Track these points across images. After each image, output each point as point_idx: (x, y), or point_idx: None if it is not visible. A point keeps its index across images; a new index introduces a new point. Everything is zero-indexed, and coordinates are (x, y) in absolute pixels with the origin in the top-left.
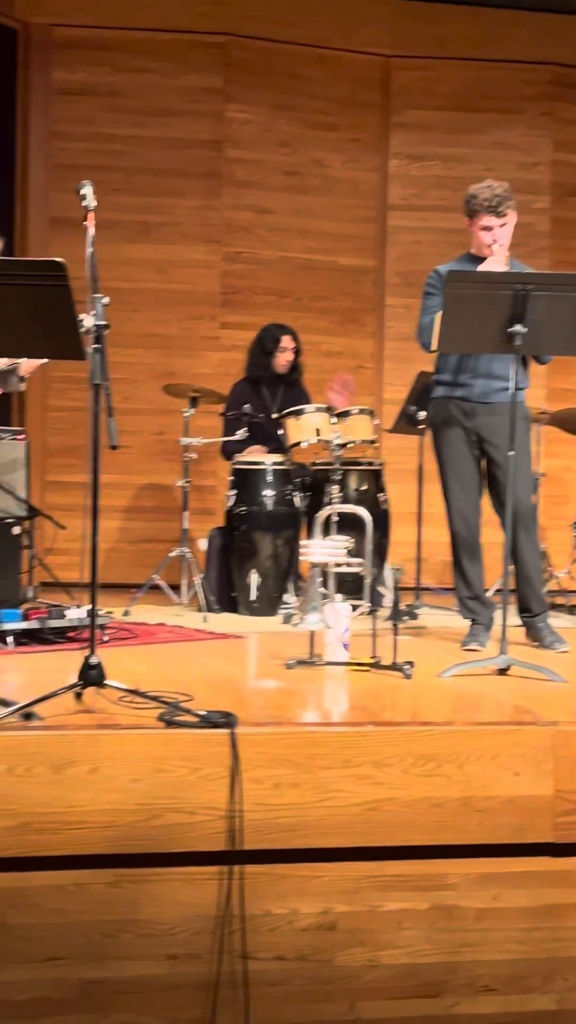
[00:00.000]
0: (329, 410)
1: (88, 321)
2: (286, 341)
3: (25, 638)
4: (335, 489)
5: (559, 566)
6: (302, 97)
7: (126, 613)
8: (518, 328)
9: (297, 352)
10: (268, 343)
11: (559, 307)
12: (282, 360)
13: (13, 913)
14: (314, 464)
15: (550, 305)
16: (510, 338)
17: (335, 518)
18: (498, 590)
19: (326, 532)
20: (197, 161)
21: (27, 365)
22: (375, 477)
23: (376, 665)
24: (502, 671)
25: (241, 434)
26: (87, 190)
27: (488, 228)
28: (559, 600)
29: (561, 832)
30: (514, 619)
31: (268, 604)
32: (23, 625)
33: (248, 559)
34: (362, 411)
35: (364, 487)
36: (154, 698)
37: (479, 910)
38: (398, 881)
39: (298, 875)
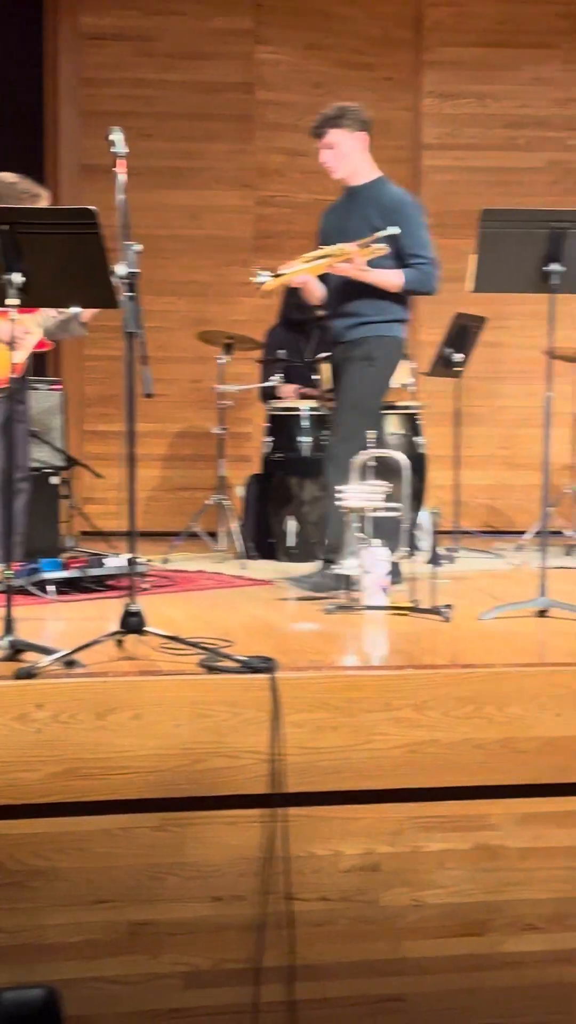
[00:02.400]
0: None
1: (120, 269)
2: None
3: (66, 587)
4: (371, 433)
5: None
6: (333, 36)
7: (165, 561)
8: (555, 267)
9: None
10: None
11: None
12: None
13: (61, 857)
14: None
15: None
16: (546, 277)
17: (372, 463)
18: (536, 532)
19: (363, 477)
20: (228, 104)
21: (88, 311)
22: (412, 421)
23: (415, 609)
24: (542, 613)
25: (277, 380)
26: (117, 136)
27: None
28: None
29: None
30: (555, 561)
31: (306, 550)
32: (63, 574)
33: (285, 505)
34: None
35: (401, 431)
36: (194, 644)
37: (522, 850)
38: (440, 822)
39: (340, 817)
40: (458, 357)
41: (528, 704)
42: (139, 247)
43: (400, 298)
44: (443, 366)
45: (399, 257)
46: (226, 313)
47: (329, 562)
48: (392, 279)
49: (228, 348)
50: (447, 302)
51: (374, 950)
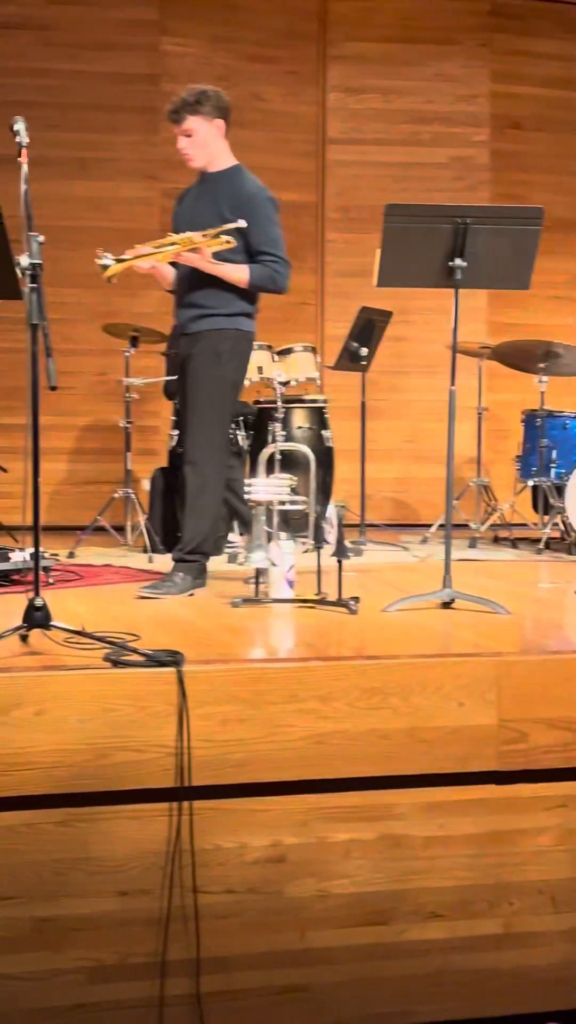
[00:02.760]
0: (271, 348)
1: (23, 260)
2: None
3: None
4: (278, 427)
5: (502, 500)
6: (239, 29)
7: (71, 555)
8: (459, 262)
9: None
10: None
11: (499, 241)
12: None
13: None
14: (257, 402)
15: (490, 239)
16: (450, 272)
17: (278, 456)
18: (441, 525)
19: (270, 470)
20: (133, 96)
21: None
22: (318, 414)
23: (322, 601)
24: (446, 604)
25: None
26: (20, 126)
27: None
28: (502, 533)
29: (505, 760)
30: (459, 553)
31: (213, 544)
32: None
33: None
34: (304, 348)
35: (307, 425)
36: (100, 639)
37: (426, 838)
38: (346, 812)
39: (247, 809)
40: (364, 351)
41: (432, 695)
42: (42, 238)
43: (247, 292)
44: (349, 360)
45: (249, 252)
46: (132, 305)
47: (183, 562)
48: (238, 274)
49: (134, 341)
50: (353, 296)
51: (279, 941)
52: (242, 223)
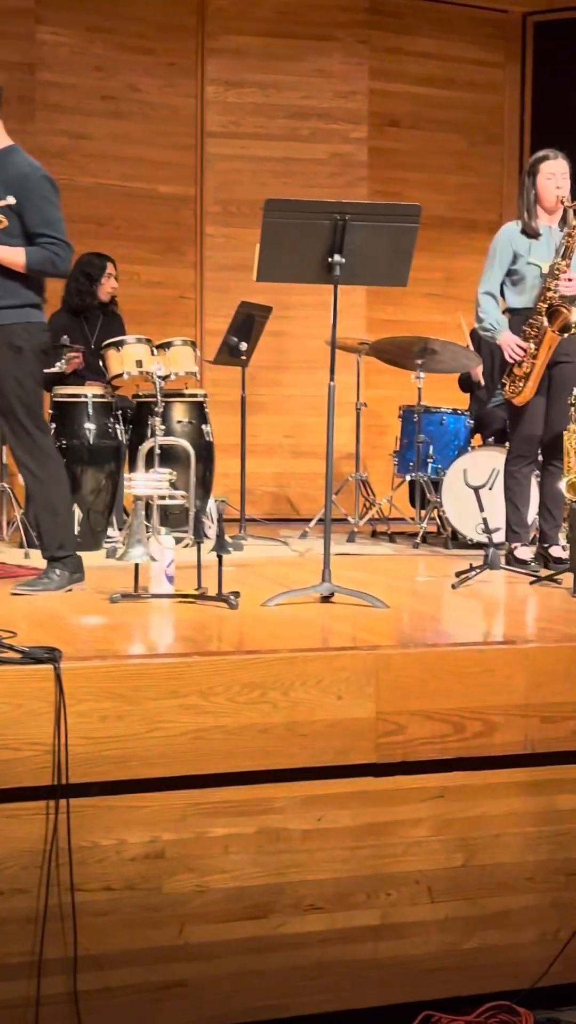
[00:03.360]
0: (150, 342)
1: None
2: (111, 268)
3: None
4: (158, 421)
5: (380, 495)
6: (116, 20)
7: None
8: (338, 258)
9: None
10: (94, 271)
11: (377, 238)
12: (108, 288)
13: None
14: (136, 396)
15: (368, 235)
16: (329, 268)
17: (158, 451)
18: (320, 519)
19: (149, 465)
20: (7, 84)
21: None
22: (198, 409)
23: (201, 596)
24: (325, 598)
25: (60, 367)
26: None
27: None
28: (380, 528)
29: (383, 752)
30: (338, 547)
31: (91, 538)
32: None
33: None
34: (184, 342)
35: (187, 419)
36: None
37: (304, 831)
38: (225, 807)
39: (125, 806)
40: (244, 346)
41: (311, 688)
42: None
43: (32, 281)
44: (228, 354)
45: (27, 236)
46: None
47: (55, 560)
48: (13, 256)
49: None
50: (232, 290)
51: (158, 937)
52: (11, 200)
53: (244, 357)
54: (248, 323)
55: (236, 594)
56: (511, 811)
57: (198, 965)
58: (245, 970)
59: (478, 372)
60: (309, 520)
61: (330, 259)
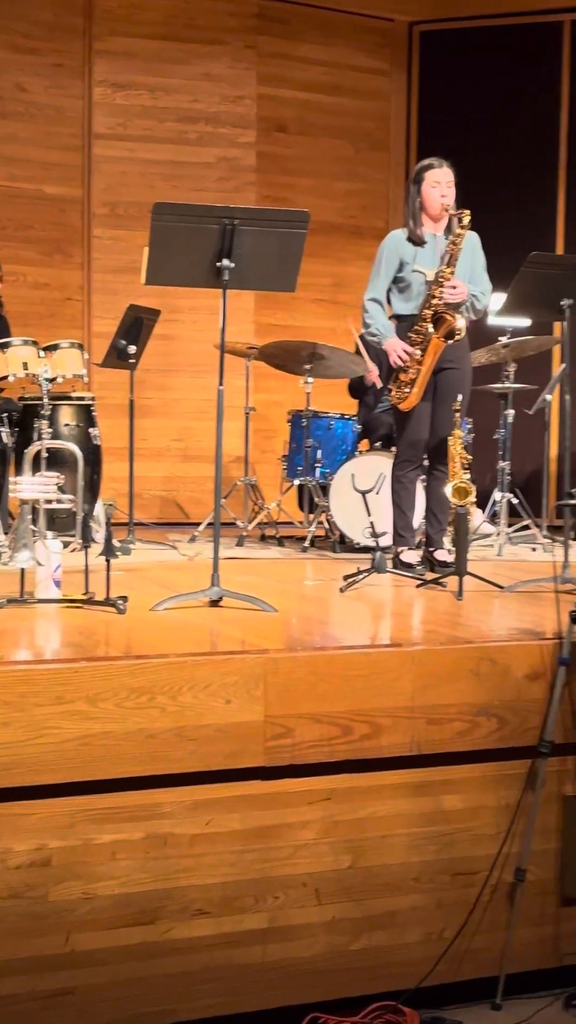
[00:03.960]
0: (36, 344)
1: None
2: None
3: None
4: (45, 424)
5: (269, 499)
6: (2, 19)
7: None
8: (226, 262)
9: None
10: None
11: (266, 243)
12: None
13: None
14: (22, 399)
15: (257, 240)
16: (218, 272)
17: (45, 454)
18: (209, 523)
19: (36, 468)
20: None
21: None
22: (86, 412)
23: (89, 601)
24: (214, 602)
25: None
26: None
27: None
28: (268, 532)
29: (271, 755)
30: (227, 551)
31: None
32: None
33: None
34: (71, 345)
35: (75, 422)
36: None
37: (193, 836)
38: (112, 813)
39: (10, 814)
40: (132, 349)
41: (200, 692)
42: None
43: None
44: (116, 358)
45: None
46: None
47: None
48: None
49: None
50: (120, 293)
51: (44, 945)
52: None
53: (132, 360)
54: (136, 326)
55: (124, 599)
56: (397, 812)
57: (85, 973)
58: (132, 977)
59: (373, 375)
60: (198, 524)
61: (219, 263)
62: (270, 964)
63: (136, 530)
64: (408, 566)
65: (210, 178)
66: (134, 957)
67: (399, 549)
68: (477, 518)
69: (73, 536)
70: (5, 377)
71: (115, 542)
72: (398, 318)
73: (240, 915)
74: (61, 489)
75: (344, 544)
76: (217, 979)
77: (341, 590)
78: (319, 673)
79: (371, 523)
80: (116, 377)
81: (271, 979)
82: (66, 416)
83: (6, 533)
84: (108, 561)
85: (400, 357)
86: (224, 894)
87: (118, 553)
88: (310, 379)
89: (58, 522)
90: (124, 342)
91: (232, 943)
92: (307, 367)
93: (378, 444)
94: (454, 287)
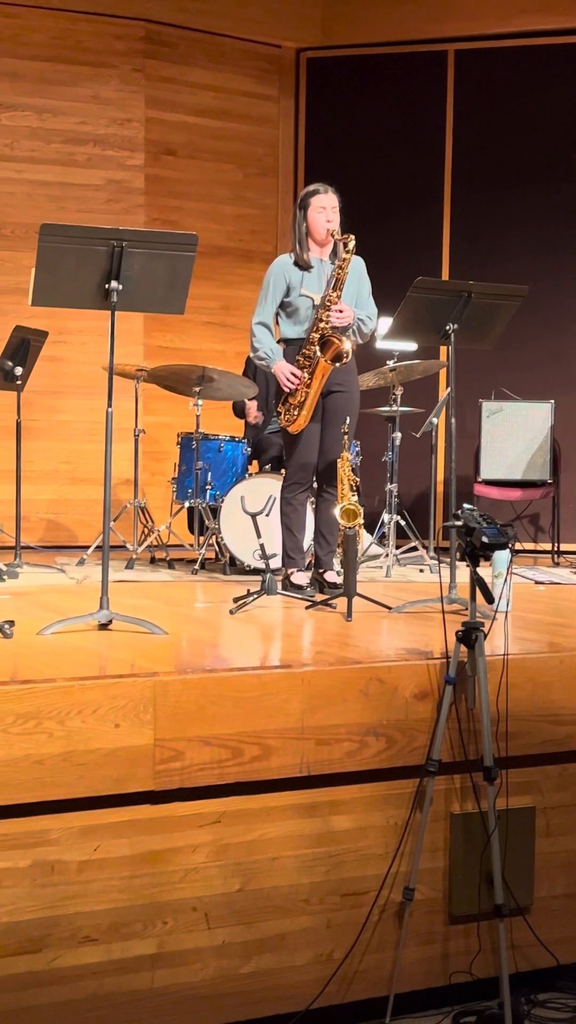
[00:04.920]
0: None
1: None
2: None
3: None
4: None
5: (159, 521)
6: None
7: None
8: (114, 284)
9: None
10: None
11: (154, 265)
12: None
13: None
14: None
15: (145, 263)
16: (106, 294)
17: None
18: (98, 546)
19: None
20: None
21: None
22: None
23: None
24: (103, 626)
25: None
26: None
27: None
28: (158, 554)
29: (160, 779)
30: (117, 574)
31: None
32: None
33: None
34: None
35: None
36: None
37: (81, 862)
38: None
39: None
40: (19, 371)
41: (88, 717)
42: None
43: None
44: (3, 379)
45: None
46: None
47: None
48: None
49: None
50: (7, 314)
51: None
52: None
53: (19, 382)
54: (23, 347)
55: (11, 623)
56: (287, 834)
57: None
58: (18, 1007)
59: (252, 410)
60: (87, 547)
61: (107, 285)
62: (159, 990)
63: (23, 553)
64: (298, 588)
65: (98, 200)
66: (19, 987)
67: (289, 571)
68: (366, 540)
69: None
70: None
71: (1, 566)
72: (286, 341)
73: (129, 941)
74: None
75: (234, 566)
76: (105, 1007)
77: (231, 612)
78: (209, 695)
79: (261, 545)
80: (2, 399)
81: (160, 1005)
82: None
83: None
84: None
85: (289, 380)
86: (113, 920)
87: (5, 577)
88: (200, 401)
89: None
90: (10, 363)
91: (121, 970)
92: (197, 389)
93: (268, 466)
94: (341, 311)
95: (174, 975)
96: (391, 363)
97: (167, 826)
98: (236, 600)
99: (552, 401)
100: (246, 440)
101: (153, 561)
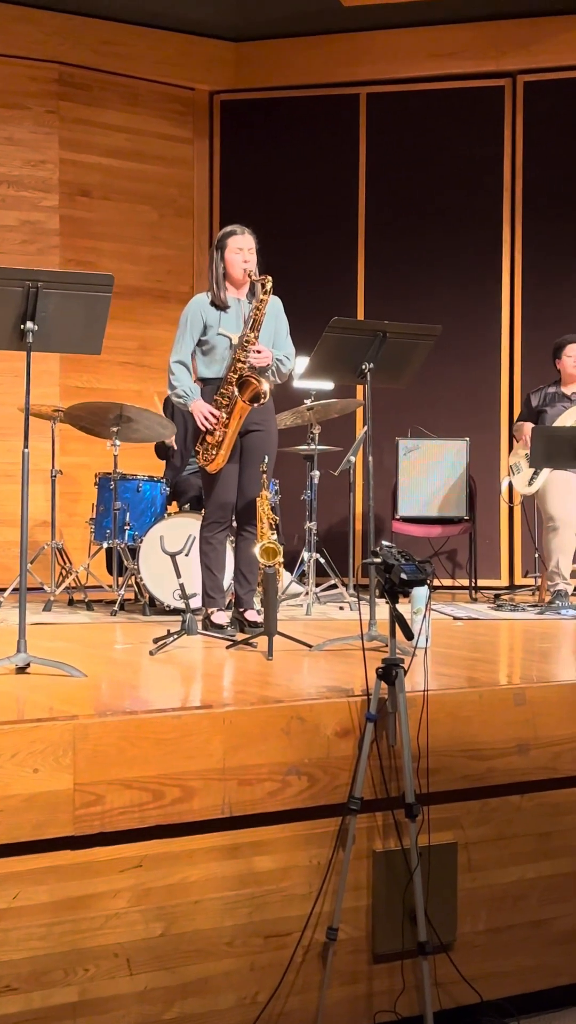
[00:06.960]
0: None
1: None
2: None
3: None
4: None
5: (77, 563)
6: None
7: None
8: (29, 325)
9: None
10: None
11: (70, 306)
12: None
13: None
14: None
15: (61, 303)
16: (22, 334)
17: None
18: (15, 588)
19: None
20: None
21: None
22: None
23: None
24: (21, 669)
25: None
26: None
27: None
28: (77, 596)
29: (81, 824)
30: (34, 617)
31: None
32: None
33: None
34: None
35: None
36: None
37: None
38: None
39: None
40: None
41: (6, 762)
42: None
43: None
44: None
45: None
46: None
47: None
48: None
49: None
50: None
51: None
52: None
53: None
54: None
55: None
56: (209, 876)
57: None
58: None
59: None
60: (3, 590)
61: (22, 326)
62: None
63: None
64: (218, 627)
65: (12, 241)
66: None
67: (209, 610)
68: (286, 578)
69: None
70: None
71: None
72: (204, 381)
73: (49, 989)
74: None
75: (154, 607)
76: None
77: (151, 653)
78: (129, 738)
79: (181, 585)
80: None
81: None
82: None
83: None
84: None
85: (206, 419)
86: (33, 968)
87: None
88: (117, 441)
89: None
90: None
91: (41, 1019)
92: (114, 429)
93: (187, 506)
94: (259, 351)
95: (96, 1023)
96: (308, 402)
97: (88, 871)
98: (156, 641)
99: (467, 438)
100: (164, 480)
101: (71, 603)
